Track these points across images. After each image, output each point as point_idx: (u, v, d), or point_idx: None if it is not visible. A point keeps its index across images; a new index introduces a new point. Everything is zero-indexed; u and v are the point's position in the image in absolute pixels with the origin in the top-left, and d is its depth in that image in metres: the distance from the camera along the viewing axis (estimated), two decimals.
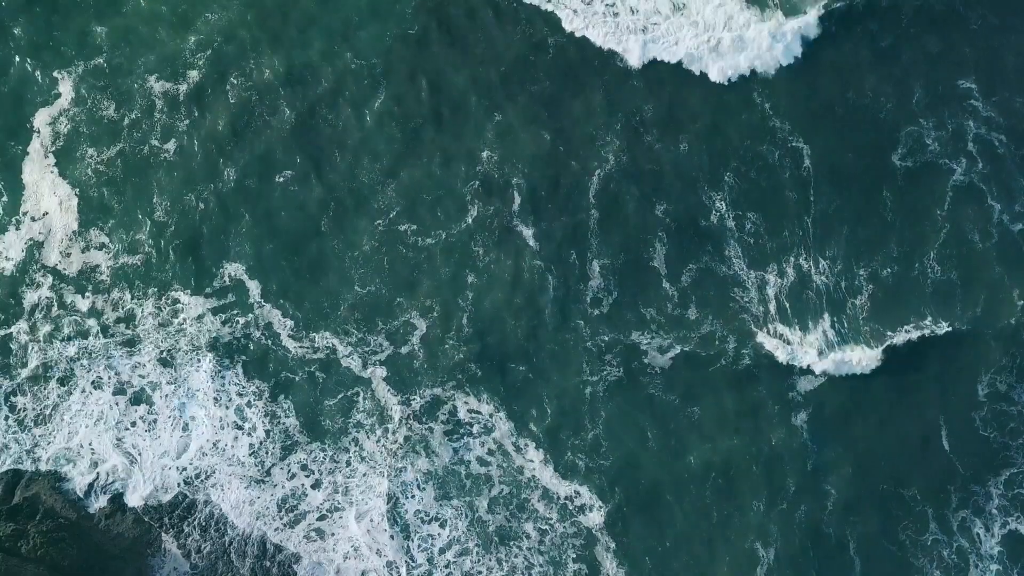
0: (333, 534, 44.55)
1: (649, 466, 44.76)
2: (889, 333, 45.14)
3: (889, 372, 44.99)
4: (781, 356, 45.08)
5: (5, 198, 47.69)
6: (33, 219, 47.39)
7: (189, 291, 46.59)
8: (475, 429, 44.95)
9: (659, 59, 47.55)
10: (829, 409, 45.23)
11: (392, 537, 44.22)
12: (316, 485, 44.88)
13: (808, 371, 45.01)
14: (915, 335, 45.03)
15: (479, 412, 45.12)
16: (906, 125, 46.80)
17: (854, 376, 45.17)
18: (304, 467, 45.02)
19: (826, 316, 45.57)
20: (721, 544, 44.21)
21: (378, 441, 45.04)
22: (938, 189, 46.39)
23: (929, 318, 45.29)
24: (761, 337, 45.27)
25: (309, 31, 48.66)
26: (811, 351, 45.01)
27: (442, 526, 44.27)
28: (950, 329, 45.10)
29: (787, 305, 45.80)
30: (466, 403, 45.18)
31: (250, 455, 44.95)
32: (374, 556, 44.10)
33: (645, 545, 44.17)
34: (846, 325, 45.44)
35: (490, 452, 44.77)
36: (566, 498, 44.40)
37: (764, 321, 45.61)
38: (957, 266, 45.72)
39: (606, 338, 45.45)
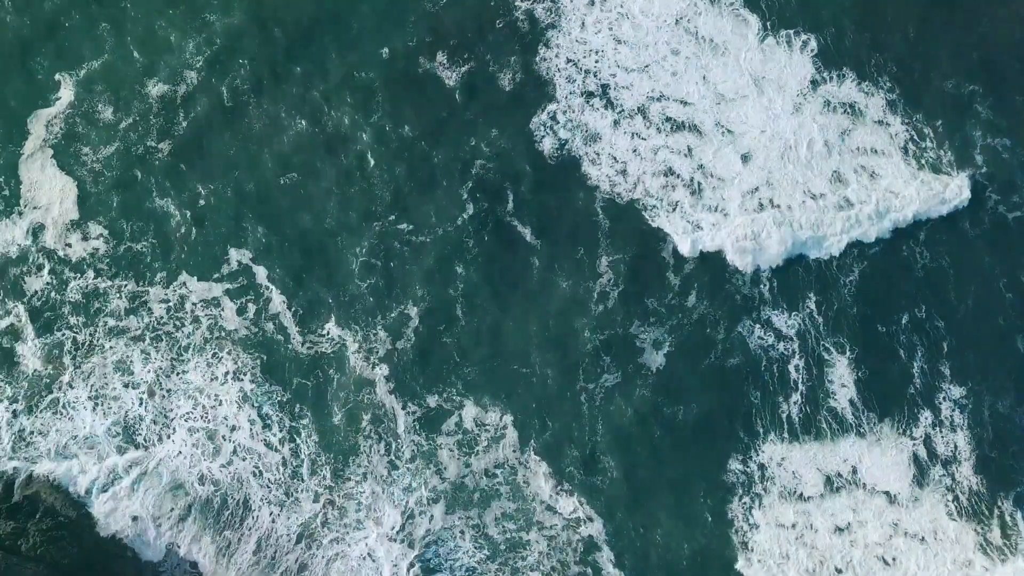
0: (344, 548, 44.28)
1: (648, 469, 44.84)
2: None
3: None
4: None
5: (6, 192, 48.03)
6: (35, 208, 47.58)
7: (196, 277, 46.89)
8: (481, 439, 44.97)
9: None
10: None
11: (402, 546, 44.08)
12: (318, 498, 44.69)
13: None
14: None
15: (484, 423, 45.18)
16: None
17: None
18: (311, 478, 44.79)
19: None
20: (719, 542, 44.18)
21: (385, 454, 44.98)
22: None
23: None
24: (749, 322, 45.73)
25: (311, 33, 49.62)
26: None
27: (451, 534, 44.17)
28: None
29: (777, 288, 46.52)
30: (471, 413, 45.30)
31: (259, 462, 44.90)
32: (385, 564, 43.94)
33: (645, 547, 44.06)
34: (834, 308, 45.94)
35: (495, 463, 44.77)
36: (572, 509, 44.38)
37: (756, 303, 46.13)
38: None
39: (605, 335, 45.76)
